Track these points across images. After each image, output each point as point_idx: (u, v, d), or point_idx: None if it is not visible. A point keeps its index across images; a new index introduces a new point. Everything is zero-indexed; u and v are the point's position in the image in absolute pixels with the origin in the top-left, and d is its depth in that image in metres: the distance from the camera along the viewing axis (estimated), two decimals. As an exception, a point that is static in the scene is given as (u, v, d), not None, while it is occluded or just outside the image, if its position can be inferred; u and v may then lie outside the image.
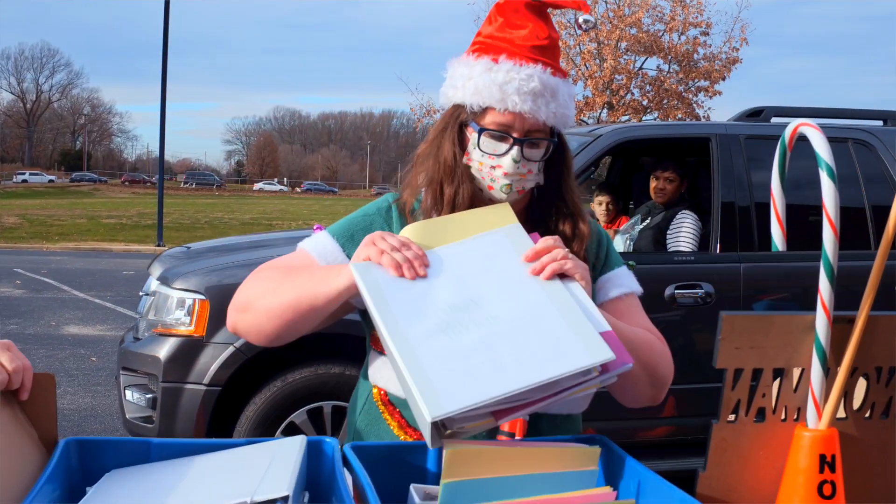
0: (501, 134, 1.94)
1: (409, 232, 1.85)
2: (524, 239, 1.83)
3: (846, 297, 4.58)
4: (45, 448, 1.66)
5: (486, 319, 1.63)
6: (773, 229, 1.60)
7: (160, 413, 4.95)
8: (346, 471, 1.59)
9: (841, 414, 1.55)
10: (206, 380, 4.91)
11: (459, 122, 1.99)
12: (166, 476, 1.57)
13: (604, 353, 1.53)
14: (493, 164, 1.94)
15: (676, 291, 5.31)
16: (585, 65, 26.07)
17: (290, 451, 1.59)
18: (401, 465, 1.72)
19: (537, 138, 1.96)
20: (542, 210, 2.05)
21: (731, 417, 1.50)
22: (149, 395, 5.04)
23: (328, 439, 1.67)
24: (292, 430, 5.02)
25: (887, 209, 5.31)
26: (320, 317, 1.89)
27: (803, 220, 5.91)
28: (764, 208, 5.59)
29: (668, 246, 5.73)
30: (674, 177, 6.00)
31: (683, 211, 5.87)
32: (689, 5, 25.93)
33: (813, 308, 4.74)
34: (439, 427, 1.52)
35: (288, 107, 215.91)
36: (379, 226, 2.05)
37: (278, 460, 1.55)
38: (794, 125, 1.56)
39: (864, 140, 5.89)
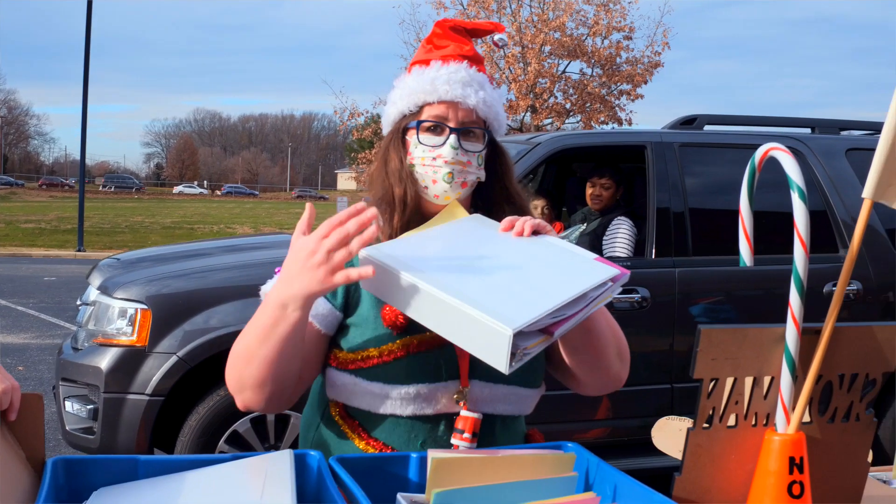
0: (438, 124, 2.05)
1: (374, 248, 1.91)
2: (491, 221, 2.01)
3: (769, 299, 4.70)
4: (32, 468, 1.66)
5: (503, 266, 1.82)
6: (742, 246, 1.70)
7: (102, 424, 4.91)
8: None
9: (806, 419, 1.65)
10: (149, 390, 4.90)
11: (401, 130, 2.09)
12: (159, 494, 1.57)
13: (611, 270, 1.86)
14: (434, 154, 2.04)
15: (613, 296, 5.42)
16: (510, 68, 26.24)
17: (281, 465, 1.62)
18: (384, 475, 1.76)
19: (472, 127, 2.07)
20: (487, 210, 2.14)
21: (706, 425, 1.59)
22: (90, 407, 5.01)
23: (312, 453, 1.71)
24: (235, 439, 5.03)
25: (816, 214, 5.50)
26: (297, 342, 1.88)
27: (731, 226, 6.10)
28: (698, 214, 5.76)
29: (604, 251, 5.86)
30: (610, 184, 6.14)
31: (619, 217, 6.01)
32: (612, 10, 26.24)
33: (742, 309, 4.92)
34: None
35: (208, 109, 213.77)
36: None
37: (272, 476, 1.58)
38: (764, 148, 1.66)
39: (794, 148, 6.09)
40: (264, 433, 5.09)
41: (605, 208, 6.17)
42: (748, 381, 1.59)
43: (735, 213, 5.96)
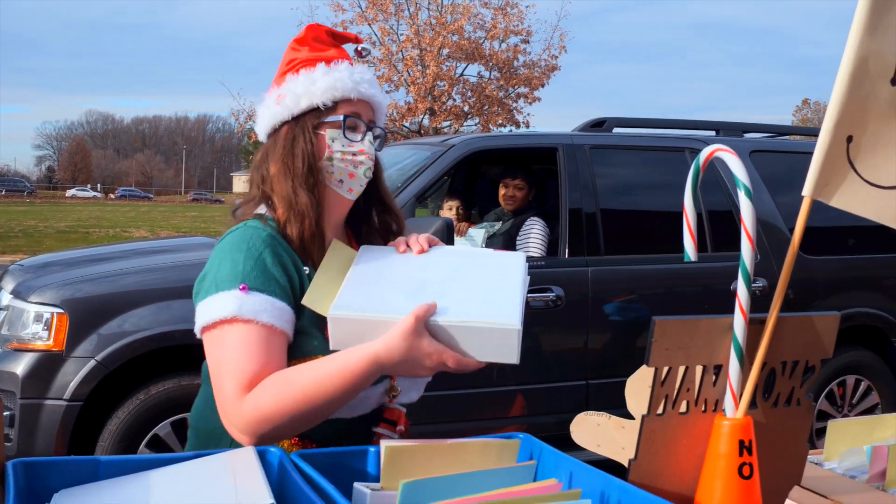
0: (357, 121, 2.11)
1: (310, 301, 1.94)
2: (380, 247, 2.10)
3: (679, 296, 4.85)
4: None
5: (443, 279, 1.91)
6: (686, 241, 1.79)
7: (18, 430, 4.83)
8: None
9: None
10: (67, 395, 4.83)
11: (312, 126, 2.10)
12: (127, 494, 1.53)
13: (517, 255, 2.09)
14: (355, 150, 2.10)
15: (528, 295, 5.53)
16: (408, 71, 26.31)
17: (248, 462, 1.61)
18: (343, 469, 1.77)
19: (379, 126, 2.18)
20: (362, 212, 2.24)
21: (660, 410, 1.67)
22: (6, 413, 4.90)
23: (273, 449, 1.69)
24: (156, 443, 5.00)
25: (723, 215, 5.69)
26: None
27: (642, 225, 6.28)
28: (609, 214, 5.91)
29: (518, 251, 5.95)
30: (523, 185, 6.25)
31: (532, 218, 6.12)
32: (510, 14, 26.53)
33: (653, 306, 5.06)
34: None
35: (101, 111, 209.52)
36: (281, 252, 2.02)
37: (241, 472, 1.56)
38: (710, 149, 1.76)
39: (699, 150, 6.27)
40: (185, 436, 5.03)
41: (518, 209, 6.28)
42: (698, 369, 1.68)
43: (645, 213, 6.17)
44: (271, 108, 2.14)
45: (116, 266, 5.57)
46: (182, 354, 5.07)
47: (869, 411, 6.49)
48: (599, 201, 5.89)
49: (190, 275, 5.22)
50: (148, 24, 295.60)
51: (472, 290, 1.87)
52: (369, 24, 26.66)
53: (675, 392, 1.68)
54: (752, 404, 1.73)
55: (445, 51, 26.22)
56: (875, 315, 6.48)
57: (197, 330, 2.01)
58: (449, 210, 6.91)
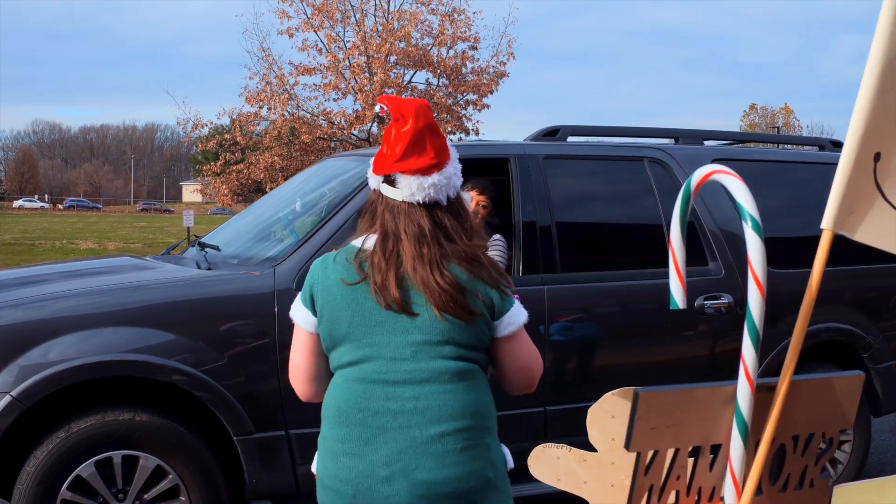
0: None
1: None
2: None
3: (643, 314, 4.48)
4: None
5: None
6: (673, 284, 1.45)
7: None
8: None
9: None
10: (-22, 435, 4.40)
11: None
12: None
13: None
14: None
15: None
16: (355, 78, 25.91)
17: None
18: None
19: None
20: None
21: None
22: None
23: None
24: (79, 485, 4.58)
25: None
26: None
27: (600, 239, 5.97)
28: (566, 228, 5.59)
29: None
30: (486, 202, 5.85)
31: (495, 235, 5.75)
32: (457, 20, 26.19)
33: (614, 327, 4.75)
34: None
35: (47, 120, 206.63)
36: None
37: None
38: (705, 171, 1.41)
39: (658, 158, 5.99)
40: (111, 476, 4.65)
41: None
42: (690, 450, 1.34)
43: (603, 226, 5.86)
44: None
45: (38, 291, 5.15)
46: (106, 387, 4.69)
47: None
48: (555, 214, 5.56)
49: (120, 300, 4.89)
50: (92, 30, 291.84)
51: None
52: (315, 31, 26.25)
53: (663, 480, 1.33)
54: (758, 490, 1.39)
55: (393, 58, 25.89)
56: (842, 329, 6.22)
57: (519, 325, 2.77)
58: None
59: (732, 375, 5.81)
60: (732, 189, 1.38)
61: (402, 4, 26.87)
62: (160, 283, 5.11)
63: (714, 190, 5.99)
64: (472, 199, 5.74)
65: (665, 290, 5.53)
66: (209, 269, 5.33)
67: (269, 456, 4.86)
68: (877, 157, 1.33)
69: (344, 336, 2.67)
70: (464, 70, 26.59)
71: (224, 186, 27.35)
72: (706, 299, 5.66)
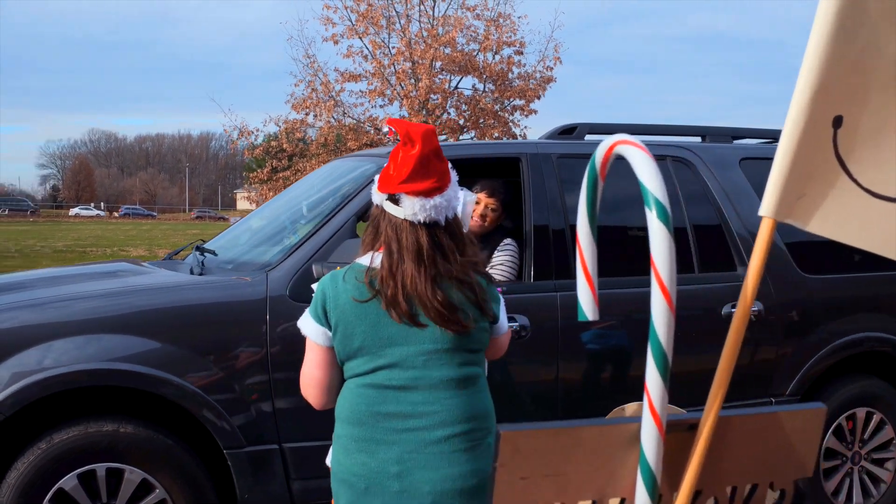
0: None
1: None
2: None
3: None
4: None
5: None
6: (581, 292, 1.13)
7: None
8: None
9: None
10: (-44, 448, 4.21)
11: None
12: None
13: None
14: None
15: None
16: (401, 84, 25.73)
17: None
18: None
19: None
20: None
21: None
22: None
23: None
24: (62, 498, 4.37)
25: (710, 229, 5.03)
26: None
27: (617, 243, 5.62)
28: (581, 232, 5.25)
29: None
30: (496, 205, 5.49)
31: (506, 240, 5.41)
32: (502, 25, 25.89)
33: (637, 335, 4.43)
34: None
35: (104, 129, 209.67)
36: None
37: None
38: (610, 141, 1.09)
39: (682, 157, 5.63)
40: (94, 489, 4.42)
41: (487, 232, 5.49)
42: None
43: (621, 229, 5.51)
44: None
45: (22, 297, 4.93)
46: (89, 398, 4.48)
47: (883, 447, 5.82)
48: (569, 217, 5.21)
49: (107, 306, 4.65)
50: (145, 41, 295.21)
51: None
52: (360, 38, 26.08)
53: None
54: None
55: (438, 63, 25.65)
56: (886, 339, 5.81)
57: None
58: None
59: (760, 390, 5.41)
60: (635, 163, 1.06)
61: (446, 10, 26.62)
62: (142, 289, 4.86)
63: (744, 194, 5.62)
64: (481, 202, 5.40)
65: (686, 298, 5.20)
66: (201, 274, 5.08)
67: (261, 470, 4.60)
68: (837, 121, 0.98)
69: (358, 349, 2.93)
70: (510, 75, 26.27)
71: (271, 193, 27.22)
72: (734, 307, 5.28)
